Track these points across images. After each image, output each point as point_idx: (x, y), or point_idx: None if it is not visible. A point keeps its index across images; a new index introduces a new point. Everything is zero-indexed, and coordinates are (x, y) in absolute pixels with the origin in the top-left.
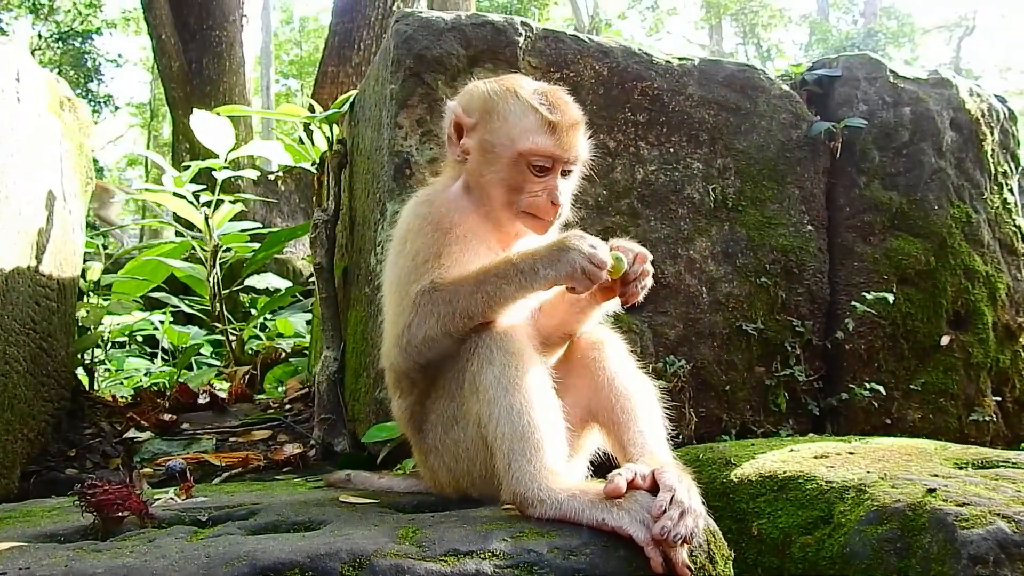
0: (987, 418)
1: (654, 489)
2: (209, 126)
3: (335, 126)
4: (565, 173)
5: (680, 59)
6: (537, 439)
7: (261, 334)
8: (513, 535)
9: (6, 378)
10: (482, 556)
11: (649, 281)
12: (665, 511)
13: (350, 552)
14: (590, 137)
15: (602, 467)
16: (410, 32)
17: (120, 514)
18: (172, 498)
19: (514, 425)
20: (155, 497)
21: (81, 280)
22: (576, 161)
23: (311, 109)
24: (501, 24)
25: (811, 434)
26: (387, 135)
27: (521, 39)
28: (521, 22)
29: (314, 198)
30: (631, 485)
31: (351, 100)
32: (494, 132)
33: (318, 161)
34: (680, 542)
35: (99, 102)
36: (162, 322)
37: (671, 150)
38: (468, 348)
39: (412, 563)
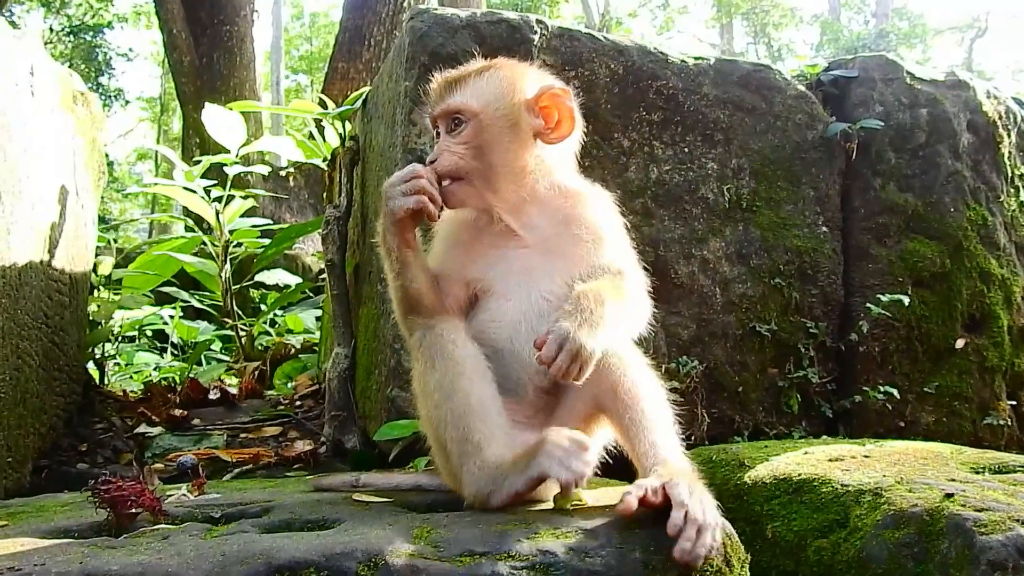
0: (1002, 422)
1: (667, 503)
2: (221, 121)
3: (347, 122)
4: (451, 130)
5: (695, 58)
6: (477, 440)
7: (271, 330)
8: (529, 536)
9: (19, 372)
10: (498, 557)
11: None
12: (682, 531)
13: (365, 551)
14: (605, 137)
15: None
16: (425, 29)
17: (134, 510)
18: (185, 494)
19: (459, 430)
20: (168, 493)
21: (93, 275)
22: (443, 113)
23: (322, 105)
24: (516, 22)
25: (824, 436)
26: (400, 132)
27: (536, 37)
28: (536, 20)
29: (324, 194)
30: (643, 502)
31: (364, 96)
32: None
33: (329, 157)
34: (702, 562)
35: (110, 96)
36: (172, 317)
37: (685, 150)
38: (415, 346)
39: (428, 563)
